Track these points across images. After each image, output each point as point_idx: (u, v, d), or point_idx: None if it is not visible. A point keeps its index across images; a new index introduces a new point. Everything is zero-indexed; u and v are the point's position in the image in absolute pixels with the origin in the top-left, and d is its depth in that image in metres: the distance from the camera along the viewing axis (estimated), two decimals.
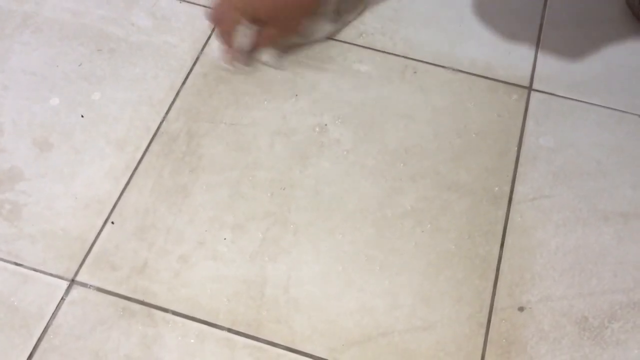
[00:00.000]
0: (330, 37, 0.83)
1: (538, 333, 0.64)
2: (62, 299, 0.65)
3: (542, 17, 0.86)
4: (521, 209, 0.71)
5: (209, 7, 0.80)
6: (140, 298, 0.65)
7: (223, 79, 0.79)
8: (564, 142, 0.76)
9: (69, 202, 0.70)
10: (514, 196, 0.72)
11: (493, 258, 0.68)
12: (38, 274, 0.66)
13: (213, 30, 0.79)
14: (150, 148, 0.74)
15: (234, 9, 0.74)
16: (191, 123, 0.76)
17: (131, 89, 0.78)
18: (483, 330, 0.65)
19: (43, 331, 0.63)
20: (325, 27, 0.82)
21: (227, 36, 0.77)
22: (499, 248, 0.69)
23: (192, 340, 0.63)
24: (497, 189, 0.72)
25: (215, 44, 0.81)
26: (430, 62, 0.82)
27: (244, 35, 0.76)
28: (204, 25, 0.84)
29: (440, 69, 0.81)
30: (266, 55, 0.79)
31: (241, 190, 0.72)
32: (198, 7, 0.85)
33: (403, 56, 0.82)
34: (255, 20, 0.75)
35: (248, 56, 0.79)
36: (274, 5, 0.74)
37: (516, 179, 0.73)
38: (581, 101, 0.79)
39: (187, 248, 0.68)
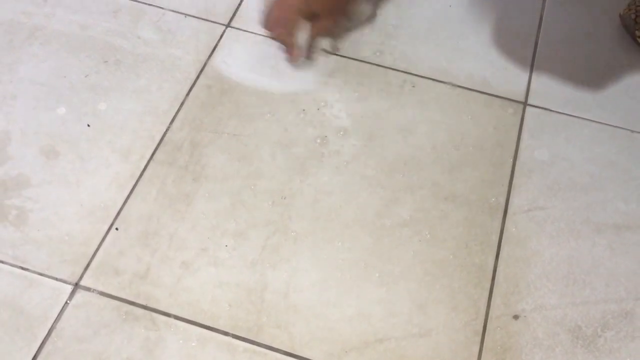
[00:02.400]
0: (373, 18, 0.87)
1: (532, 341, 0.66)
2: (66, 302, 0.66)
3: (538, 35, 0.88)
4: (516, 220, 0.73)
5: (262, 14, 0.81)
6: (143, 302, 0.66)
7: (226, 91, 0.81)
8: (558, 155, 0.78)
9: (75, 209, 0.72)
10: (509, 207, 0.74)
11: (488, 267, 0.70)
12: (43, 278, 0.68)
13: (272, 35, 0.80)
14: (154, 157, 0.76)
15: (291, 10, 0.76)
16: (195, 133, 0.78)
17: (136, 100, 0.80)
18: (478, 338, 0.66)
19: (47, 334, 0.65)
20: (367, 8, 0.86)
21: (288, 38, 0.79)
22: (494, 258, 0.70)
23: (193, 344, 0.64)
24: (492, 200, 0.74)
25: (219, 59, 0.83)
26: (428, 76, 0.84)
27: (304, 32, 0.79)
28: (208, 38, 0.86)
29: (438, 83, 0.83)
30: (324, 44, 0.83)
31: (243, 198, 0.73)
32: (202, 21, 0.87)
33: (402, 71, 0.84)
34: (310, 15, 0.78)
35: (309, 50, 0.82)
36: None
37: (511, 191, 0.75)
38: (575, 116, 0.81)
39: (190, 254, 0.69)
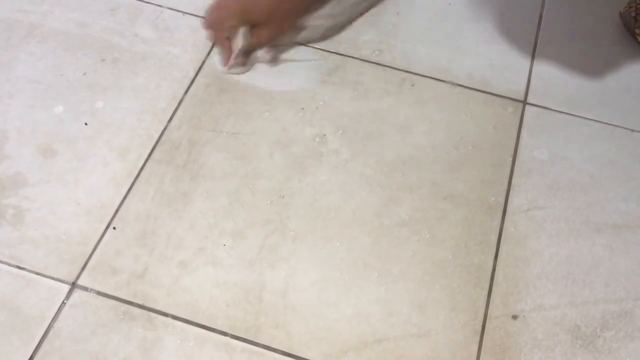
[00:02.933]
0: (324, 38, 0.85)
1: (531, 341, 0.66)
2: (63, 302, 0.66)
3: (537, 33, 0.88)
4: (515, 220, 0.73)
5: (203, 16, 0.82)
6: (141, 302, 0.66)
7: (225, 89, 0.81)
8: (558, 155, 0.77)
9: (72, 208, 0.72)
10: (508, 207, 0.73)
11: (488, 267, 0.70)
12: (40, 277, 0.67)
13: (210, 37, 0.81)
14: (152, 156, 0.75)
15: (230, 15, 0.77)
16: (193, 132, 0.77)
17: (134, 98, 0.80)
18: (477, 338, 0.66)
19: (44, 334, 0.64)
20: (317, 29, 0.84)
21: (224, 41, 0.79)
22: (493, 257, 0.70)
23: (191, 344, 0.64)
24: (492, 199, 0.74)
25: (217, 56, 0.83)
26: (427, 75, 0.83)
27: (240, 38, 0.78)
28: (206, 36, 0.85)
29: (438, 82, 0.83)
30: (262, 54, 0.82)
31: (241, 198, 0.73)
32: (200, 19, 0.87)
33: (401, 69, 0.84)
34: (250, 23, 0.77)
35: (245, 58, 0.81)
36: (267, 7, 0.77)
37: (511, 190, 0.75)
38: (575, 115, 0.80)
39: (187, 254, 0.69)
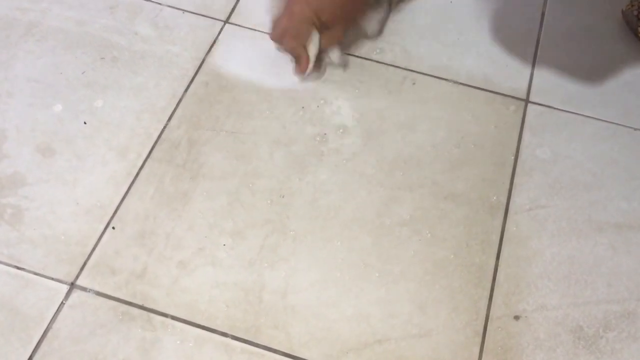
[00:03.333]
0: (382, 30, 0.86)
1: (533, 342, 0.65)
2: (62, 302, 0.66)
3: (539, 31, 0.87)
4: (517, 219, 0.72)
5: (270, 30, 0.79)
6: (140, 303, 0.66)
7: (224, 88, 0.80)
8: (560, 153, 0.77)
9: (71, 208, 0.71)
10: (510, 206, 0.73)
11: (489, 267, 0.69)
12: (39, 277, 0.67)
13: (286, 48, 0.78)
14: (151, 155, 0.75)
15: (301, 21, 0.75)
16: (192, 131, 0.77)
17: (133, 97, 0.79)
18: (479, 339, 0.65)
19: (43, 334, 0.64)
20: (378, 18, 0.84)
21: (299, 49, 0.77)
22: (495, 257, 0.70)
23: (190, 345, 0.64)
24: (493, 199, 0.73)
25: (217, 56, 0.83)
26: (429, 74, 0.83)
27: (316, 43, 0.77)
28: (206, 34, 0.85)
29: (439, 80, 0.82)
30: (333, 55, 0.81)
31: (241, 197, 0.72)
32: (200, 17, 0.87)
33: (402, 68, 0.83)
34: (320, 26, 0.76)
35: (320, 62, 0.80)
36: (338, 8, 0.75)
37: (512, 190, 0.74)
38: (577, 114, 0.80)
39: (187, 254, 0.69)
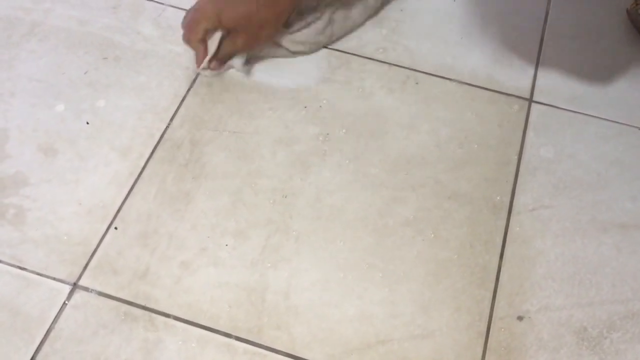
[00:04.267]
0: (302, 53, 0.83)
1: (537, 342, 0.65)
2: (65, 303, 0.66)
3: (543, 30, 0.87)
4: (521, 219, 0.72)
5: (183, 20, 0.80)
6: (142, 303, 0.66)
7: (227, 88, 0.80)
8: (564, 153, 0.76)
9: (73, 208, 0.71)
10: (514, 206, 0.73)
11: (493, 267, 0.69)
12: (41, 277, 0.67)
13: (183, 38, 0.79)
14: (154, 155, 0.75)
15: (205, 17, 0.75)
16: (195, 131, 0.77)
17: (136, 97, 0.79)
18: (482, 339, 0.65)
19: (45, 335, 0.64)
20: (292, 48, 0.82)
21: (197, 43, 0.77)
22: (498, 258, 0.69)
23: (193, 345, 0.63)
24: (497, 199, 0.73)
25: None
26: (432, 73, 0.82)
27: (215, 43, 0.76)
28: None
29: (442, 80, 0.82)
30: (235, 61, 0.80)
31: (243, 197, 0.72)
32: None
33: (405, 67, 0.83)
34: (225, 27, 0.76)
35: (219, 62, 0.79)
36: (243, 14, 0.75)
37: (516, 189, 0.74)
38: (581, 113, 0.80)
39: (189, 254, 0.68)
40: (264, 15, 0.76)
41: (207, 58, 0.77)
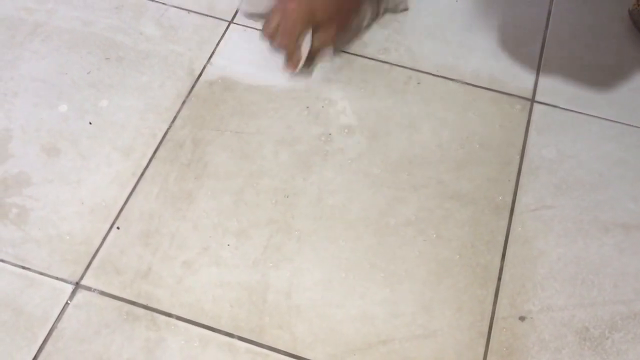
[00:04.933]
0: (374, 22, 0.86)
1: (539, 343, 0.65)
2: (67, 302, 0.66)
3: (546, 30, 0.87)
4: (523, 219, 0.72)
5: (262, 27, 0.80)
6: (144, 302, 0.66)
7: (229, 88, 0.80)
8: (566, 153, 0.76)
9: (76, 207, 0.71)
10: (515, 206, 0.73)
11: (494, 267, 0.69)
12: (43, 277, 0.67)
13: (279, 45, 0.79)
14: (156, 155, 0.75)
15: (295, 20, 0.75)
16: (197, 131, 0.77)
17: (138, 97, 0.79)
18: (484, 340, 0.65)
19: (47, 334, 0.64)
20: (368, 14, 0.84)
21: (292, 48, 0.77)
22: (500, 258, 0.69)
23: (195, 345, 0.64)
24: (499, 199, 0.73)
25: (221, 56, 0.83)
26: (434, 73, 0.83)
27: (308, 42, 0.77)
28: (211, 34, 0.85)
29: (444, 80, 0.82)
30: (325, 54, 0.81)
31: (245, 197, 0.72)
32: (205, 17, 0.87)
33: (407, 67, 0.83)
34: (315, 24, 0.76)
35: (311, 60, 0.80)
36: (333, 6, 0.76)
37: (518, 190, 0.74)
38: (583, 113, 0.80)
39: (191, 254, 0.69)
40: (348, 4, 0.77)
41: (303, 60, 0.78)
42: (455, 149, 0.76)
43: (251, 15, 0.84)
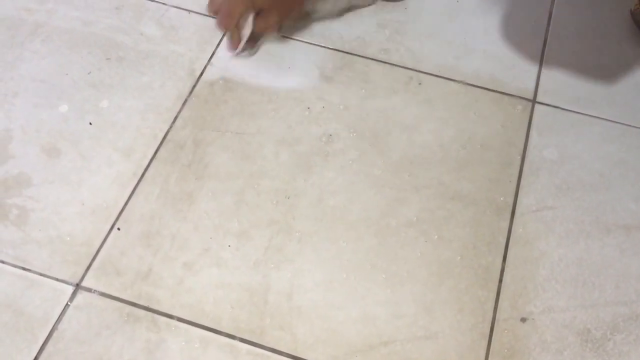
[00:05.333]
0: (330, 17, 0.87)
1: (540, 344, 0.65)
2: (68, 303, 0.66)
3: (547, 31, 0.87)
4: (524, 220, 0.72)
5: (209, 4, 0.82)
6: (145, 304, 0.66)
7: (230, 88, 0.80)
8: (568, 154, 0.76)
9: (76, 208, 0.71)
10: (517, 207, 0.72)
11: (496, 269, 0.69)
12: (44, 278, 0.67)
13: (219, 25, 0.81)
14: (157, 156, 0.75)
15: (241, 2, 0.77)
16: (197, 131, 0.77)
17: (139, 97, 0.79)
18: (485, 341, 0.65)
19: (48, 335, 0.64)
20: (325, 8, 0.85)
21: (232, 28, 0.79)
22: (501, 259, 0.69)
23: (195, 346, 0.63)
24: (500, 199, 0.73)
25: (222, 56, 0.83)
26: (435, 74, 0.82)
27: (250, 24, 0.79)
28: (212, 35, 0.85)
29: (445, 80, 0.82)
30: (268, 38, 0.83)
31: (246, 198, 0.72)
32: (206, 17, 0.86)
33: (409, 68, 0.83)
34: (257, 8, 0.78)
35: (253, 42, 0.82)
36: None
37: (519, 191, 0.74)
38: (585, 114, 0.79)
39: (192, 255, 0.68)
40: None
41: (243, 41, 0.80)
42: (457, 149, 0.76)
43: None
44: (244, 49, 0.82)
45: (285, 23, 0.84)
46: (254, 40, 0.82)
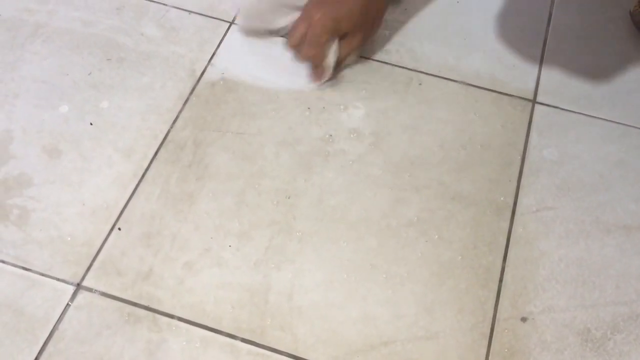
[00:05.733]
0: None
1: (541, 344, 0.65)
2: (68, 304, 0.66)
3: (547, 31, 0.87)
4: (524, 221, 0.72)
5: (286, 36, 0.80)
6: (146, 304, 0.66)
7: (230, 89, 0.80)
8: (568, 154, 0.76)
9: (77, 209, 0.71)
10: (517, 207, 0.73)
11: (496, 269, 0.69)
12: (45, 278, 0.67)
13: (304, 57, 0.77)
14: (157, 156, 0.75)
15: (324, 31, 0.74)
16: (198, 132, 0.77)
17: (139, 98, 0.79)
18: (486, 341, 0.65)
19: (49, 335, 0.64)
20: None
21: (319, 58, 0.76)
22: (502, 259, 0.69)
23: (196, 346, 0.64)
24: (500, 200, 0.73)
25: (223, 57, 0.83)
26: (435, 74, 0.82)
27: (334, 52, 0.76)
28: (212, 35, 0.85)
29: (446, 81, 0.82)
30: (350, 61, 0.81)
31: (246, 198, 0.72)
32: (207, 18, 0.87)
33: (409, 68, 0.83)
34: (341, 33, 0.75)
35: (336, 69, 0.80)
36: (358, 15, 0.74)
37: (520, 191, 0.74)
38: (585, 114, 0.79)
39: (193, 255, 0.69)
40: (374, 10, 0.76)
41: (330, 70, 0.78)
42: (457, 150, 0.76)
43: (252, 32, 0.83)
44: (329, 77, 0.79)
45: (366, 44, 0.81)
46: (337, 67, 0.79)
